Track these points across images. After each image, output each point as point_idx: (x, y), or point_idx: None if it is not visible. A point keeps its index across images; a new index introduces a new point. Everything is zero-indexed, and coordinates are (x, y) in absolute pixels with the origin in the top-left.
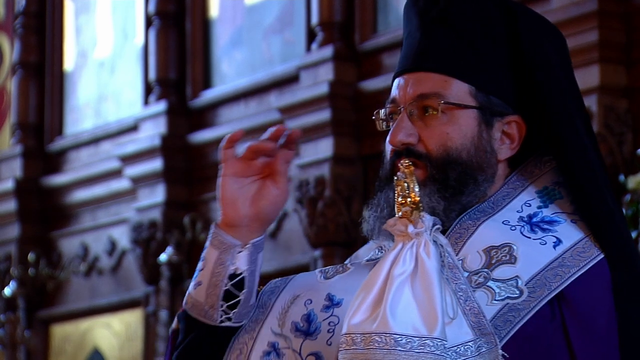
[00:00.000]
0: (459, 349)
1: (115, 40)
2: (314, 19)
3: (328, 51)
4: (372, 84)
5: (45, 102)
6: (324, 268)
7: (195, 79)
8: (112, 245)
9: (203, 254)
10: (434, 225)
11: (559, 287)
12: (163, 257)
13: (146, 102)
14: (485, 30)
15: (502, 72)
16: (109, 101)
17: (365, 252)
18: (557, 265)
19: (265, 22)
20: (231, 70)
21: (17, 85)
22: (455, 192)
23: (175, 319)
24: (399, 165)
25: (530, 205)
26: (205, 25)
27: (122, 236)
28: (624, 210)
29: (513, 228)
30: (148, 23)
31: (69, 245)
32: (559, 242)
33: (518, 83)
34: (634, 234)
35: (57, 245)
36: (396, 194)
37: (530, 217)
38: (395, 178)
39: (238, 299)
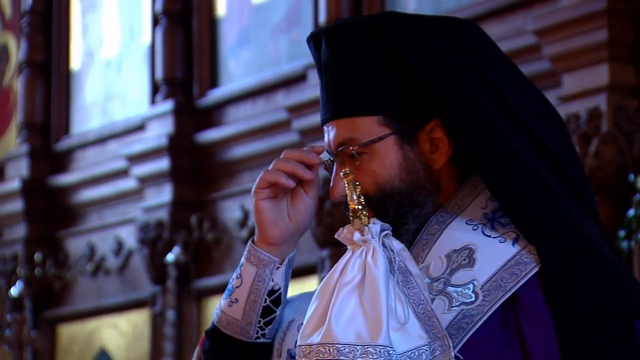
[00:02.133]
0: (412, 354)
1: (122, 40)
2: (321, 18)
3: None
4: None
5: (52, 101)
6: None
7: (202, 78)
8: (119, 245)
9: (238, 271)
10: (382, 230)
11: (514, 287)
12: (170, 257)
13: (153, 101)
14: (368, 58)
15: (404, 88)
16: (116, 100)
17: None
18: (515, 263)
19: (272, 21)
20: (238, 69)
21: (24, 85)
22: (397, 224)
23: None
24: (340, 174)
25: (494, 200)
26: (212, 24)
27: (129, 236)
28: (633, 210)
29: (475, 227)
30: (155, 22)
31: (75, 245)
32: (518, 237)
33: (423, 91)
34: None
35: (64, 245)
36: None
37: (494, 212)
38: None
39: (274, 314)
